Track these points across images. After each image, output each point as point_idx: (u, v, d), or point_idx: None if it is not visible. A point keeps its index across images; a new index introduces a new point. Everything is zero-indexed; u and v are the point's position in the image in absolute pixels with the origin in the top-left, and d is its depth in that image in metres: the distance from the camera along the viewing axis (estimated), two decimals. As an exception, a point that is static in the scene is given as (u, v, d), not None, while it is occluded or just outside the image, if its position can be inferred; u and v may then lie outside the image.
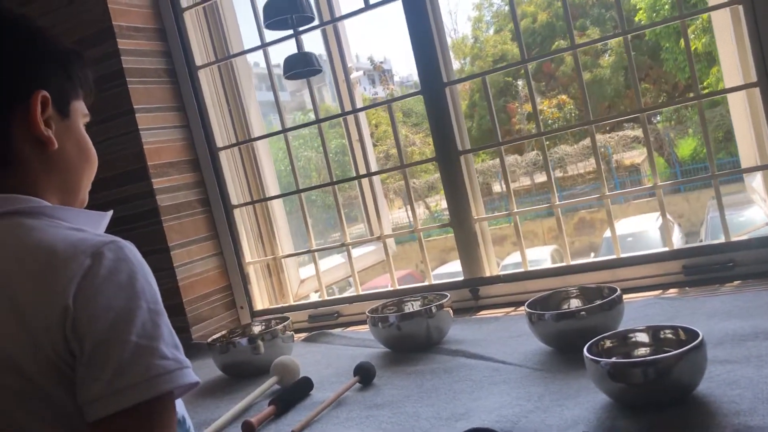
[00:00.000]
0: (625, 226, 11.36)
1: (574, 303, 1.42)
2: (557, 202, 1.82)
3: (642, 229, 10.95)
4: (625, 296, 1.54)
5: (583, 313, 1.27)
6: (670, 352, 1.00)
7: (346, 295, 2.12)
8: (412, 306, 1.67)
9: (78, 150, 0.96)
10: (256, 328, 1.80)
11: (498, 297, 1.85)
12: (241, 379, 1.64)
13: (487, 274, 1.88)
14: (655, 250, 1.72)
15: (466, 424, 1.07)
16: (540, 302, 1.41)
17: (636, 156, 15.98)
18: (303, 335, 2.00)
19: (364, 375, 1.39)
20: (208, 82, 2.17)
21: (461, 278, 1.91)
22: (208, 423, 1.36)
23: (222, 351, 1.66)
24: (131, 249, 0.90)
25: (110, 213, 1.02)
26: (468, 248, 1.88)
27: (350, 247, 2.07)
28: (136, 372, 0.83)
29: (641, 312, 1.44)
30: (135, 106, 1.98)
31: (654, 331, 1.09)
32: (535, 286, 1.81)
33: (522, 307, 1.76)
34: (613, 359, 1.07)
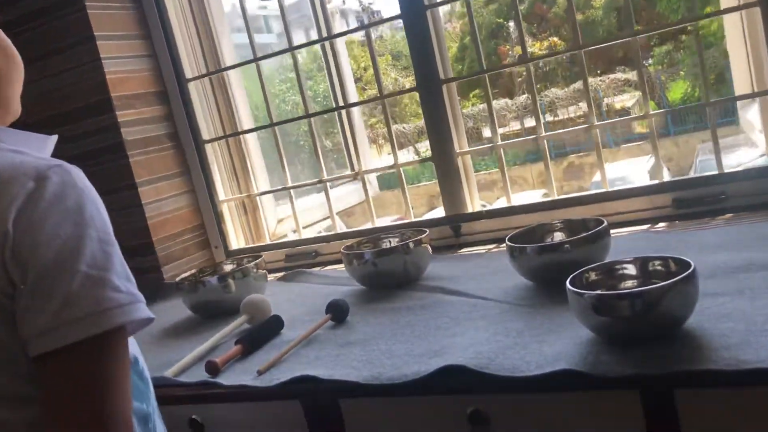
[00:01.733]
0: (614, 169, 11.30)
1: (558, 236, 1.35)
2: (543, 133, 1.72)
3: (631, 172, 10.90)
4: (612, 231, 1.47)
5: (566, 246, 1.20)
6: (659, 283, 0.93)
7: (324, 234, 2.03)
8: (390, 242, 1.59)
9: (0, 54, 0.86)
10: (228, 267, 1.72)
11: (480, 234, 1.78)
12: (211, 319, 1.57)
13: (469, 210, 1.80)
14: (644, 183, 1.64)
15: (440, 361, 1.00)
16: (522, 236, 1.34)
17: (627, 99, 15.83)
18: (279, 275, 1.93)
19: (337, 312, 1.32)
20: (175, 6, 2.03)
21: (443, 215, 1.83)
22: (173, 363, 1.29)
23: (191, 290, 1.58)
24: (79, 174, 0.82)
25: (55, 137, 0.93)
26: (449, 184, 1.80)
27: (328, 184, 1.98)
28: (86, 304, 0.76)
29: (629, 245, 1.37)
30: (96, 33, 1.85)
31: (642, 262, 1.02)
32: (520, 221, 1.73)
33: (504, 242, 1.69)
34: (598, 292, 1.00)
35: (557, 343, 0.98)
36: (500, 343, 1.02)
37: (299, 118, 1.98)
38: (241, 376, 1.16)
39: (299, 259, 2.00)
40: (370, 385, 1.01)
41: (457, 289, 1.35)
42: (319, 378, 1.05)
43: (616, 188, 1.65)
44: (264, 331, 1.32)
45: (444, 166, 1.80)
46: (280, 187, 2.07)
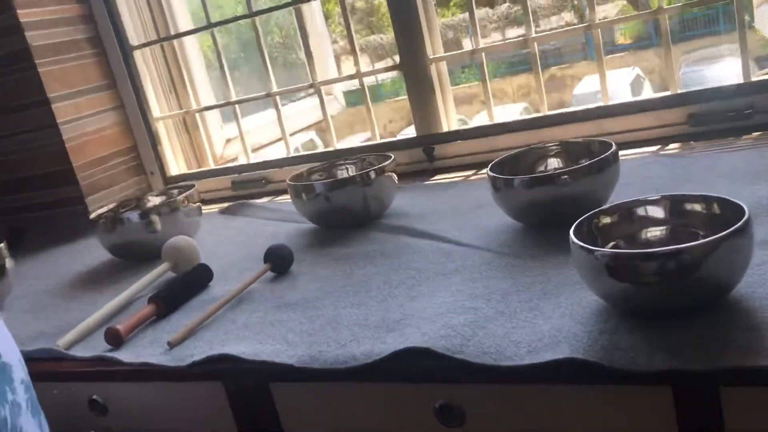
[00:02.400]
0: (595, 82, 10.95)
1: (553, 163, 1.08)
2: (533, 35, 1.43)
3: (614, 84, 10.57)
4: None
5: (565, 177, 0.93)
6: (700, 236, 0.68)
7: (275, 157, 1.75)
8: (347, 171, 1.32)
9: None
10: (155, 199, 1.45)
11: (458, 158, 1.50)
12: (134, 262, 1.31)
13: (445, 129, 1.52)
14: (654, 95, 1.36)
15: (397, 337, 0.75)
16: (508, 163, 1.07)
17: (610, 9, 15.28)
18: (221, 206, 1.66)
19: (277, 261, 1.06)
20: None
21: (413, 135, 1.56)
22: (75, 323, 1.04)
23: (107, 229, 1.30)
24: None
25: None
26: (421, 97, 1.51)
27: (278, 99, 1.68)
28: None
29: (638, 174, 1.11)
30: None
31: (672, 202, 0.76)
32: (504, 142, 1.46)
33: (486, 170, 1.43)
34: (612, 248, 0.75)
35: (555, 314, 0.73)
36: (480, 312, 0.77)
37: (241, 17, 1.65)
38: (149, 348, 0.91)
39: (247, 187, 1.72)
40: (307, 369, 0.76)
41: (427, 230, 1.09)
42: (241, 358, 0.80)
43: (618, 101, 1.37)
44: (186, 285, 1.06)
45: (415, 75, 1.50)
46: (223, 102, 1.76)
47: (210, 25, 1.67)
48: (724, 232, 0.62)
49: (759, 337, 0.61)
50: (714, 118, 1.28)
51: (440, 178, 1.47)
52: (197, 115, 1.82)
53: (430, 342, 0.71)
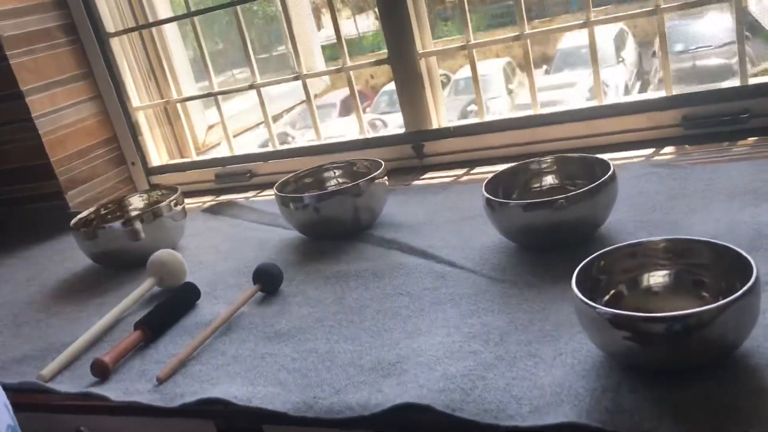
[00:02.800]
0: (578, 38, 10.79)
1: (548, 180, 1.05)
2: None
3: (599, 39, 10.43)
4: (608, 156, 1.20)
5: (562, 201, 0.91)
6: (705, 284, 0.67)
7: (263, 150, 1.71)
8: (336, 179, 1.28)
9: None
10: (138, 202, 1.41)
11: (447, 155, 1.48)
12: (118, 269, 1.28)
13: (435, 125, 1.48)
14: (645, 96, 1.34)
15: (395, 386, 0.73)
16: (503, 179, 1.04)
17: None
18: (206, 201, 1.63)
19: (267, 282, 1.03)
20: None
21: (402, 131, 1.52)
22: (58, 347, 1.01)
23: (88, 236, 1.27)
24: None
25: None
26: (410, 92, 1.47)
27: (261, 89, 1.63)
28: None
29: (635, 188, 1.09)
30: None
31: (675, 245, 0.74)
32: (493, 140, 1.43)
33: (477, 170, 1.41)
34: (614, 295, 0.73)
35: (556, 363, 0.71)
36: (478, 357, 0.75)
37: (222, 6, 1.59)
38: (137, 382, 0.88)
39: (232, 180, 1.69)
40: (302, 417, 0.74)
41: (420, 246, 1.06)
42: (234, 403, 0.78)
43: (610, 102, 1.34)
44: (172, 308, 1.03)
45: (403, 69, 1.46)
46: (204, 93, 1.71)
47: (190, 14, 1.60)
48: (732, 297, 0.60)
49: (766, 404, 0.60)
50: (708, 122, 1.26)
51: (430, 177, 1.44)
52: (178, 104, 1.77)
53: (429, 396, 0.69)
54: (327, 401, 0.75)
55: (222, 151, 1.82)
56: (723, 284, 0.69)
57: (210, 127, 1.97)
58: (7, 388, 0.92)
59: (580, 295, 0.66)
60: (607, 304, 0.72)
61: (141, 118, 1.75)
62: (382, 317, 0.89)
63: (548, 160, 1.06)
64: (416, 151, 1.49)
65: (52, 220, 1.63)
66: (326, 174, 1.29)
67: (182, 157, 1.84)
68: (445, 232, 1.11)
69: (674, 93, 1.29)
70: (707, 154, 1.20)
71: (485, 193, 0.97)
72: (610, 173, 0.93)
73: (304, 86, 1.59)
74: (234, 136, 1.73)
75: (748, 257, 0.65)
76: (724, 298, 0.61)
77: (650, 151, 1.28)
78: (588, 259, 0.73)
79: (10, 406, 0.83)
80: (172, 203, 1.28)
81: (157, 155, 1.79)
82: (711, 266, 0.71)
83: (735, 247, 0.68)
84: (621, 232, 0.96)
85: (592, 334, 0.67)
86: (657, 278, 0.74)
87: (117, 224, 1.25)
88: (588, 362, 0.70)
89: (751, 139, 1.22)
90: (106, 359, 0.91)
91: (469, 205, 1.20)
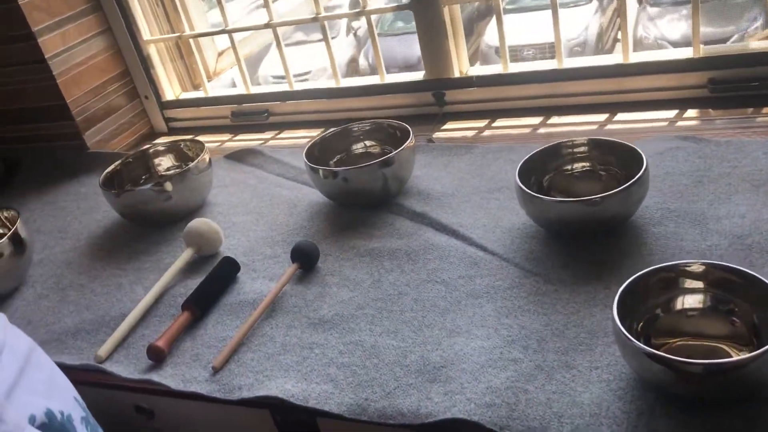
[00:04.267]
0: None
1: (579, 166, 1.07)
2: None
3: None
4: (633, 114, 1.31)
5: (597, 199, 0.94)
6: (738, 327, 0.72)
7: (277, 89, 1.69)
8: (362, 139, 1.29)
9: None
10: (161, 156, 1.42)
11: (469, 104, 1.48)
12: (148, 227, 1.31)
13: (456, 74, 1.47)
14: (674, 56, 1.33)
15: (442, 395, 0.80)
16: (533, 162, 1.06)
17: None
18: (224, 141, 1.64)
19: (305, 260, 1.07)
20: None
21: (422, 78, 1.51)
22: (105, 315, 1.07)
23: (117, 195, 1.29)
24: None
25: None
26: (432, 40, 1.44)
27: (278, 29, 1.59)
28: None
29: (660, 167, 1.11)
30: None
31: (709, 271, 0.78)
32: (516, 92, 1.43)
33: (500, 123, 1.42)
34: (649, 319, 0.78)
35: (593, 377, 0.77)
36: (519, 367, 0.81)
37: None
38: (193, 368, 0.94)
39: (248, 118, 1.68)
40: (357, 420, 0.81)
41: (450, 224, 1.10)
42: (291, 402, 0.85)
43: (637, 60, 1.33)
44: (216, 284, 1.08)
45: (426, 16, 1.43)
46: (218, 30, 1.67)
47: (202, -52, 1.53)
48: (762, 350, 0.65)
49: None
50: (734, 86, 1.26)
51: (452, 128, 1.45)
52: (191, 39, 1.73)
53: (478, 412, 0.76)
54: (379, 404, 0.81)
55: (238, 88, 1.79)
56: (755, 315, 0.74)
57: (220, 53, 1.93)
58: (69, 368, 0.99)
59: (622, 328, 0.71)
60: (643, 327, 0.77)
61: (152, 51, 1.72)
62: (420, 309, 0.95)
63: (581, 143, 1.07)
64: (437, 99, 1.49)
65: (72, 160, 1.64)
66: (353, 135, 1.30)
67: (195, 87, 1.82)
68: (474, 206, 1.14)
69: (702, 55, 1.29)
70: (731, 122, 1.22)
71: (519, 183, 1.00)
72: (643, 170, 0.95)
73: (323, 28, 1.56)
74: (244, 57, 1.70)
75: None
76: (755, 330, 0.66)
77: (674, 113, 1.29)
78: (627, 283, 0.77)
79: (80, 399, 0.89)
80: (198, 165, 1.29)
81: (171, 89, 1.77)
82: (743, 295, 0.75)
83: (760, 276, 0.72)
84: (649, 223, 1.00)
85: (630, 361, 0.73)
86: (691, 302, 0.78)
87: (147, 187, 1.27)
88: (623, 379, 0.76)
89: (775, 107, 1.23)
90: (161, 344, 0.97)
91: (495, 171, 1.22)
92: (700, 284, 0.78)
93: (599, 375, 0.78)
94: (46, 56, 1.53)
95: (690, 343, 0.77)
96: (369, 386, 0.84)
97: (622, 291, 0.76)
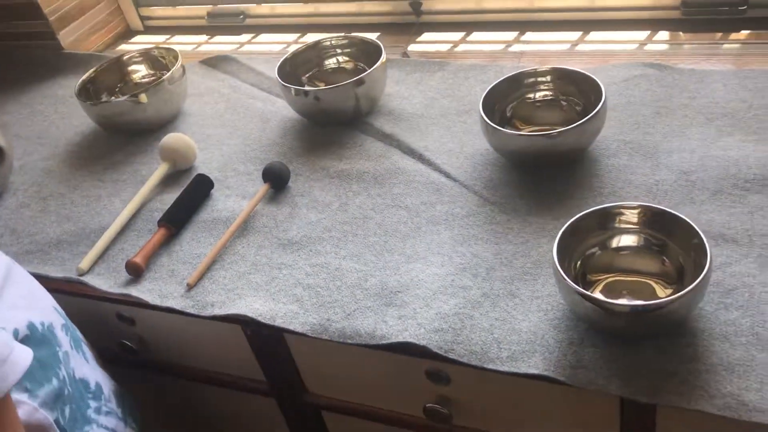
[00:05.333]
0: None
1: (541, 95, 1.10)
2: None
3: None
4: (605, 33, 1.33)
5: (554, 133, 0.98)
6: (666, 267, 0.79)
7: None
8: (335, 55, 1.30)
9: None
10: (136, 64, 1.42)
11: (445, 14, 1.47)
12: (124, 136, 1.34)
13: (433, -16, 1.46)
14: (651, -25, 1.32)
15: (396, 319, 0.87)
16: (498, 91, 1.08)
17: None
18: (200, 43, 1.63)
19: (276, 180, 1.12)
20: None
21: (399, -14, 1.49)
22: (85, 227, 1.13)
23: (92, 106, 1.31)
24: None
25: None
26: (410, -52, 1.42)
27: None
28: None
29: (623, 95, 1.14)
30: None
31: (644, 212, 0.83)
32: (491, 4, 1.43)
33: (474, 37, 1.42)
34: (588, 255, 0.84)
35: (533, 307, 0.85)
36: (468, 294, 0.88)
37: None
38: (169, 284, 1.01)
39: (224, 19, 1.67)
40: (319, 339, 0.89)
41: (417, 149, 1.14)
42: (259, 321, 0.92)
43: (615, -23, 1.33)
44: (190, 202, 1.13)
45: None
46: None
47: None
48: (688, 289, 0.72)
49: (706, 353, 0.75)
50: (706, 10, 1.27)
51: (427, 40, 1.46)
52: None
53: (426, 336, 0.84)
54: (339, 324, 0.89)
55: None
56: (680, 257, 0.80)
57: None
58: (53, 280, 1.06)
59: (560, 269, 0.78)
60: (581, 265, 0.84)
61: (125, -54, 1.67)
62: (383, 233, 1.01)
63: (545, 71, 1.09)
64: (414, 8, 1.48)
65: (47, 60, 1.63)
66: (325, 49, 1.31)
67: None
68: (442, 129, 1.18)
69: (677, -25, 1.28)
70: (699, 48, 1.24)
71: (482, 113, 1.03)
72: (600, 104, 0.98)
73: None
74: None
75: (707, 245, 0.76)
76: (681, 270, 0.74)
77: (645, 34, 1.30)
78: (567, 224, 0.83)
79: (60, 309, 0.96)
80: (173, 75, 1.30)
81: (145, -15, 1.74)
82: (675, 238, 0.81)
83: (699, 231, 0.77)
84: (604, 155, 1.04)
85: (565, 298, 0.80)
86: (626, 241, 0.85)
87: (122, 99, 1.29)
88: (559, 309, 0.84)
89: (743, 33, 1.25)
90: (139, 260, 1.03)
91: (465, 92, 1.25)
92: (635, 225, 0.84)
93: (539, 305, 0.85)
94: (13, -49, 1.49)
95: (622, 279, 0.84)
96: (331, 307, 0.92)
97: (563, 232, 0.82)
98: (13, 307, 0.81)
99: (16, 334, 0.80)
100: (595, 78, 1.04)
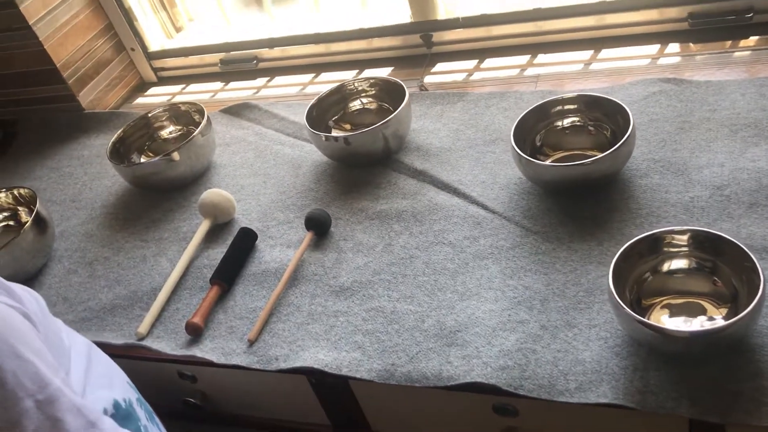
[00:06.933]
0: None
1: (569, 122, 1.13)
2: None
3: None
4: (616, 50, 1.37)
5: (588, 162, 1.01)
6: (719, 288, 0.82)
7: (261, 37, 1.69)
8: (359, 96, 1.33)
9: None
10: (162, 120, 1.45)
11: (456, 44, 1.51)
12: (157, 193, 1.37)
13: (442, 16, 1.49)
14: (656, -9, 1.36)
15: (460, 359, 0.90)
16: (525, 121, 1.12)
17: None
18: (216, 91, 1.66)
19: (319, 227, 1.15)
20: None
21: (408, 20, 1.52)
22: (137, 289, 1.16)
23: (128, 167, 1.34)
24: None
25: None
26: (417, -17, 1.46)
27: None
28: None
29: (645, 113, 1.18)
30: None
31: (693, 236, 0.87)
32: (501, 31, 1.46)
33: (488, 63, 1.46)
34: (640, 282, 0.87)
35: (592, 335, 0.88)
36: (526, 328, 0.91)
37: None
38: (230, 341, 1.04)
39: (238, 65, 1.70)
40: (386, 384, 0.92)
41: (451, 182, 1.17)
42: (326, 372, 0.95)
43: (621, -5, 1.37)
44: (238, 256, 1.16)
45: (409, -40, 1.43)
46: (199, -21, 1.65)
47: None
48: (743, 314, 0.75)
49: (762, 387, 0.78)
50: (714, 19, 1.31)
51: (441, 71, 1.49)
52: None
53: (494, 375, 0.87)
54: (404, 368, 0.92)
55: (223, 36, 1.79)
56: (732, 278, 0.84)
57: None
58: (114, 346, 1.08)
59: (619, 300, 0.81)
60: (635, 290, 0.87)
61: (133, 3, 1.70)
62: (431, 272, 1.04)
63: (570, 99, 1.13)
64: (425, 40, 1.52)
65: (69, 122, 1.66)
66: (348, 92, 1.34)
67: (177, 30, 1.81)
68: (472, 161, 1.21)
69: (682, -11, 1.32)
70: (710, 58, 1.27)
71: (515, 147, 1.06)
72: (631, 128, 1.02)
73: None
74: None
75: (758, 265, 0.79)
76: (734, 290, 0.77)
77: (656, 48, 1.34)
78: (618, 253, 0.86)
79: (131, 383, 0.99)
80: (202, 130, 1.33)
81: (154, 39, 1.77)
82: (724, 258, 0.85)
83: (748, 251, 0.81)
84: (636, 175, 1.08)
85: (624, 326, 0.84)
86: (677, 264, 0.88)
87: (156, 158, 1.32)
88: (618, 336, 0.87)
89: (752, 39, 1.28)
90: (198, 321, 1.06)
91: (489, 122, 1.28)
92: (684, 248, 0.87)
93: (597, 333, 0.88)
94: (30, 22, 1.52)
95: (675, 302, 0.87)
96: (394, 352, 0.95)
97: (616, 260, 0.85)
98: (99, 387, 0.84)
99: (105, 413, 0.82)
100: (620, 103, 1.07)
